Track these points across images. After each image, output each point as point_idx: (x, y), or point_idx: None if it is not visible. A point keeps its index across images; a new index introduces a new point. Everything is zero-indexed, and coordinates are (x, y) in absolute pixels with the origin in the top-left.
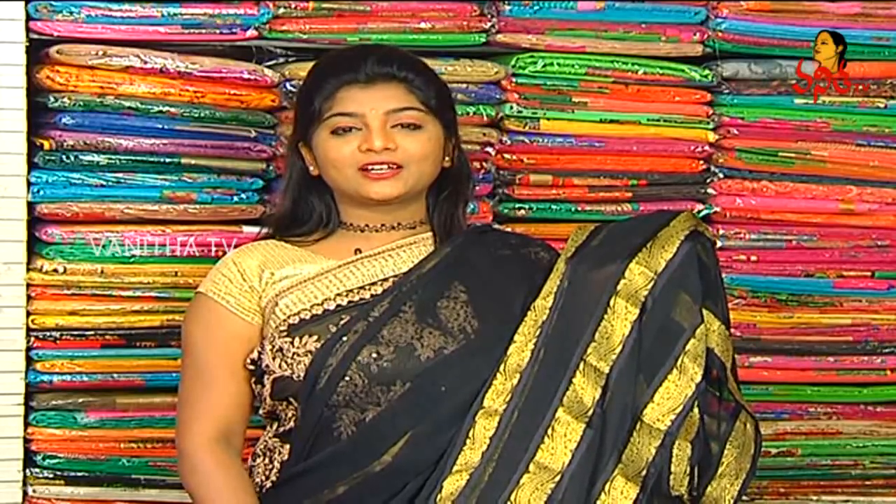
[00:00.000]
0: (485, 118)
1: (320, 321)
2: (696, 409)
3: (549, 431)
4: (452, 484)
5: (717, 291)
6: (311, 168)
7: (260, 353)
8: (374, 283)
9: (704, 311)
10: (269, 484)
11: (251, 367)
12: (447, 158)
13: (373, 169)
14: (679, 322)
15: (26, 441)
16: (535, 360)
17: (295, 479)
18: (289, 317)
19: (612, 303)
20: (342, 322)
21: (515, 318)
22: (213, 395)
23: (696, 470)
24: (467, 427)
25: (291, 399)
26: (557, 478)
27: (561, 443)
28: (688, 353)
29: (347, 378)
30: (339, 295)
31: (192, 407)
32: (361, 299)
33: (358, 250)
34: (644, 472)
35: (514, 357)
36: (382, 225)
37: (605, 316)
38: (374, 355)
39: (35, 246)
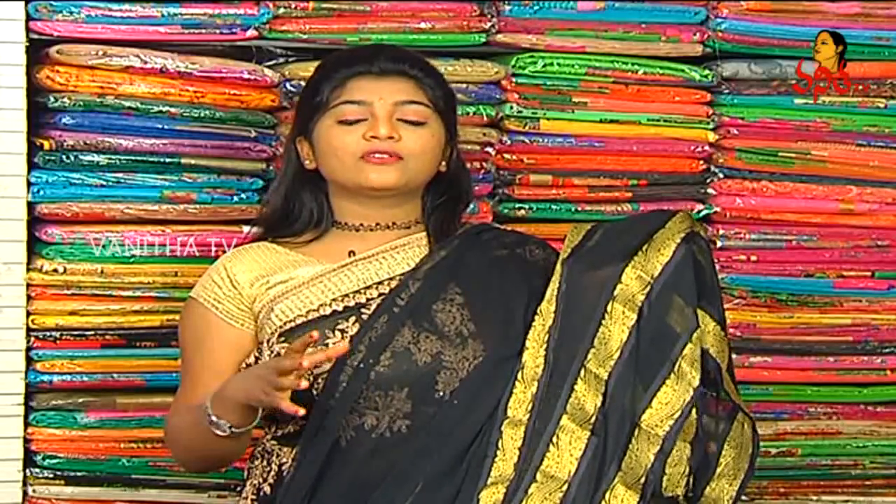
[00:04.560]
0: (485, 118)
1: (316, 326)
2: (694, 411)
3: (554, 439)
4: (489, 497)
5: (713, 292)
6: (307, 162)
7: (257, 357)
8: (368, 287)
9: (700, 313)
10: (266, 488)
11: None
12: (443, 163)
13: (374, 155)
14: (675, 327)
15: (26, 441)
16: (548, 366)
17: (295, 482)
18: (285, 322)
19: (609, 308)
20: (338, 327)
21: (512, 321)
22: (196, 395)
23: (695, 471)
24: (495, 437)
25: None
26: (565, 487)
27: (566, 451)
28: (685, 357)
29: (345, 384)
30: (334, 300)
31: (175, 406)
32: (357, 303)
33: (352, 252)
34: (643, 480)
35: (530, 364)
36: (377, 224)
37: (603, 321)
38: (372, 360)
39: (35, 246)
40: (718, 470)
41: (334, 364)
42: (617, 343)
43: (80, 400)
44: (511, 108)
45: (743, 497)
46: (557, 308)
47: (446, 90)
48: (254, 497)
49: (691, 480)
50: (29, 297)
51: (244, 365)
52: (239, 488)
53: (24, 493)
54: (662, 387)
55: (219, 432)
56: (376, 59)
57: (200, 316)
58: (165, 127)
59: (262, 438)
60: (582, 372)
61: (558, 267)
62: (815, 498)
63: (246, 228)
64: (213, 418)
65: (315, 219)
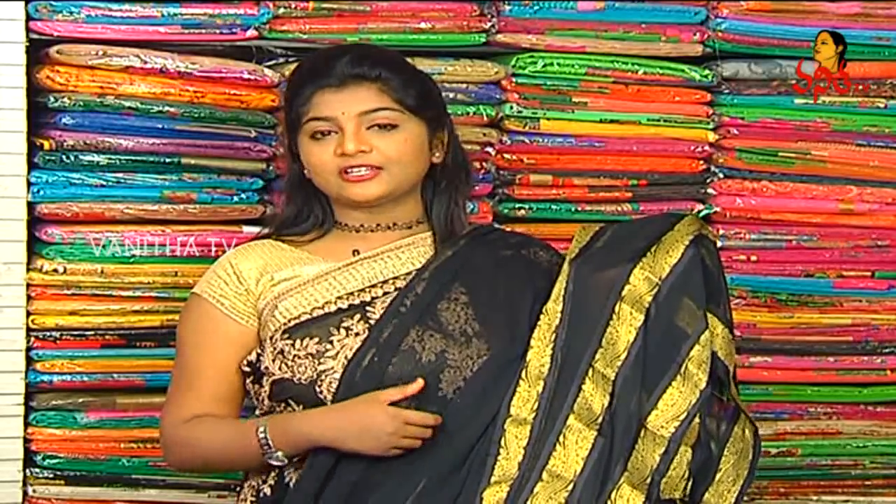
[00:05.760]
0: (485, 118)
1: (320, 324)
2: (697, 414)
3: (561, 439)
4: (493, 495)
5: (720, 295)
6: (306, 171)
7: (259, 354)
8: (373, 286)
9: (708, 315)
10: (266, 489)
11: (247, 369)
12: (437, 154)
13: (351, 172)
14: (683, 328)
15: (26, 441)
16: (555, 366)
17: (303, 484)
18: (289, 320)
19: (617, 308)
20: (342, 325)
21: (517, 320)
22: (197, 393)
23: (695, 475)
24: (497, 435)
25: (291, 401)
26: (570, 486)
27: (573, 450)
28: (692, 359)
29: (349, 381)
30: (339, 298)
31: (175, 403)
32: (362, 302)
33: (356, 251)
34: (649, 480)
35: (535, 362)
36: (378, 225)
37: (611, 322)
38: (376, 359)
39: (35, 246)
40: (718, 475)
41: (346, 366)
42: (624, 344)
43: (80, 400)
44: (511, 108)
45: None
46: (564, 308)
47: (419, 85)
48: (253, 499)
49: (689, 485)
50: (29, 297)
51: (246, 362)
52: (238, 488)
53: (24, 493)
54: (669, 388)
55: (273, 462)
56: (335, 68)
57: (204, 312)
58: (165, 127)
59: None
60: (590, 372)
61: (566, 266)
62: (815, 498)
63: (246, 228)
64: (274, 450)
65: (320, 220)
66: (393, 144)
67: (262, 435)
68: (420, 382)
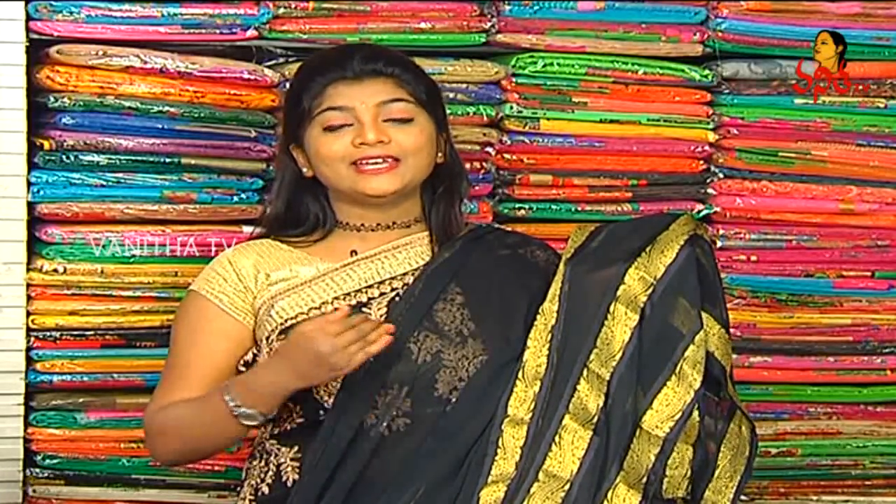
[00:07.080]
0: (485, 118)
1: None
2: (696, 413)
3: (557, 439)
4: (490, 495)
5: (716, 294)
6: (305, 169)
7: (255, 354)
8: (370, 286)
9: (703, 315)
10: (265, 488)
11: (243, 369)
12: (440, 154)
13: (367, 164)
14: (678, 328)
15: (26, 441)
16: (551, 366)
17: (304, 485)
18: (285, 320)
19: (612, 308)
20: None
21: (512, 321)
22: (185, 384)
23: (695, 473)
24: (495, 436)
25: (288, 400)
26: (567, 486)
27: (569, 450)
28: (687, 359)
29: (345, 381)
30: (336, 298)
31: (164, 394)
32: (359, 302)
33: (354, 252)
34: (645, 480)
35: (531, 363)
36: (378, 224)
37: (606, 322)
38: (371, 359)
39: (35, 246)
40: (716, 472)
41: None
42: (619, 344)
43: (80, 400)
44: (511, 108)
45: (743, 497)
46: (560, 308)
47: (428, 82)
48: (252, 497)
49: (691, 483)
50: (29, 297)
51: (243, 362)
52: (238, 488)
53: (24, 493)
54: (663, 388)
55: (250, 423)
56: (350, 62)
57: (202, 308)
58: (165, 127)
59: (261, 437)
60: (584, 372)
61: (561, 267)
62: (815, 498)
63: (246, 228)
64: (245, 410)
65: (320, 221)
66: (410, 137)
67: (227, 396)
68: (364, 316)
